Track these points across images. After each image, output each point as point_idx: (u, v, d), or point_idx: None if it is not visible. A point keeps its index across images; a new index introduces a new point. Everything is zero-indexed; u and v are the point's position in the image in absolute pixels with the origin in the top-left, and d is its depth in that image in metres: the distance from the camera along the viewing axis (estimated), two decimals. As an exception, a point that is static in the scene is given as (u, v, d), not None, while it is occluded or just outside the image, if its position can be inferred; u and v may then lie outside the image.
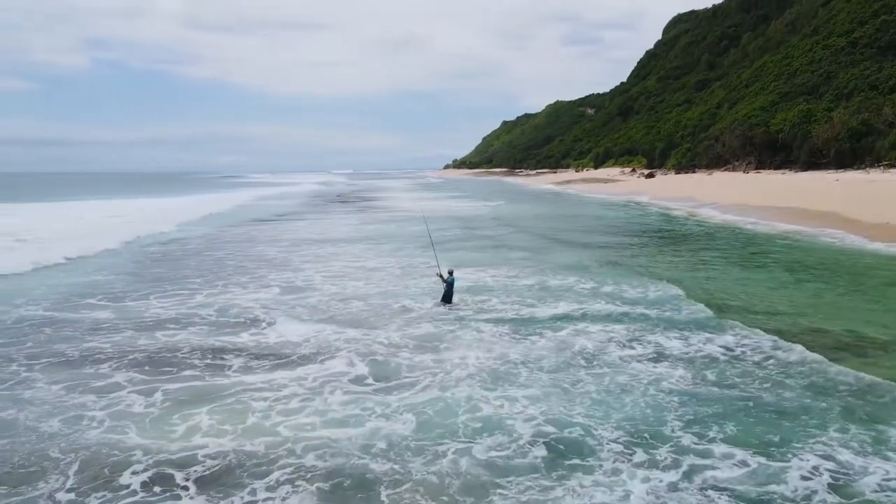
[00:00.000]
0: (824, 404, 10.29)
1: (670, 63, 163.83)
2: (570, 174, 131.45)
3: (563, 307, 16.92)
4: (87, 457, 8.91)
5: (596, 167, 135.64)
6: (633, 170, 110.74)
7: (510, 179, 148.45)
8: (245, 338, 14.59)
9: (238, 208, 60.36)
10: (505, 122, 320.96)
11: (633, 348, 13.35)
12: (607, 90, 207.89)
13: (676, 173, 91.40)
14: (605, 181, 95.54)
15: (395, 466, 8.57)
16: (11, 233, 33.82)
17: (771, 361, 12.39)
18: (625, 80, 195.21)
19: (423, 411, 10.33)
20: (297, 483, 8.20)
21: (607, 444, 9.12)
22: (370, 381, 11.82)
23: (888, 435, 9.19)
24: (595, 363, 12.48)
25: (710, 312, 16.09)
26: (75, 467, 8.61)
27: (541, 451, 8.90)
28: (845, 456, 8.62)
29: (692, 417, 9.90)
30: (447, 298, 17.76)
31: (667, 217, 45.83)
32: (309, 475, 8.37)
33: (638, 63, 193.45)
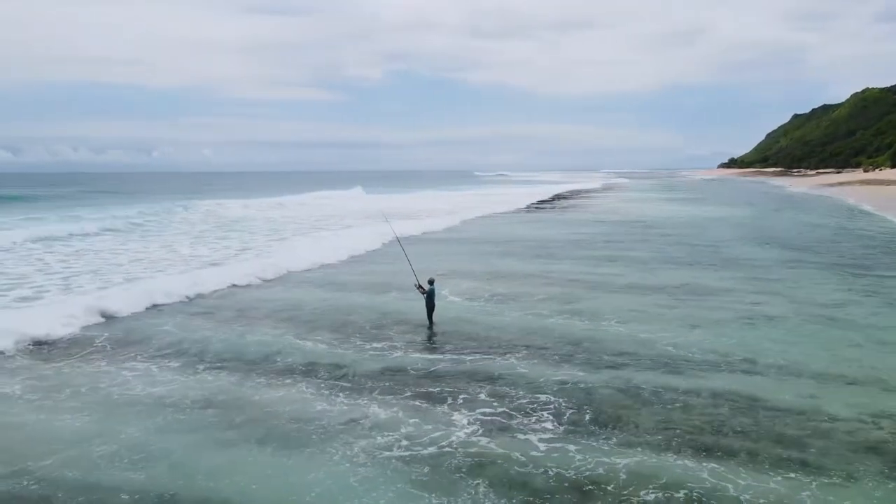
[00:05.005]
0: None
1: None
2: (854, 174, 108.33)
3: (530, 370, 12.32)
4: None
5: (893, 166, 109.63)
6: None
7: (776, 180, 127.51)
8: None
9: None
10: (796, 116, 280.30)
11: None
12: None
13: None
14: (888, 183, 76.08)
15: None
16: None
17: None
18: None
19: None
20: None
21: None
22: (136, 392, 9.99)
23: None
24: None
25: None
26: None
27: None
28: None
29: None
30: (429, 313, 15.28)
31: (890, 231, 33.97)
32: None
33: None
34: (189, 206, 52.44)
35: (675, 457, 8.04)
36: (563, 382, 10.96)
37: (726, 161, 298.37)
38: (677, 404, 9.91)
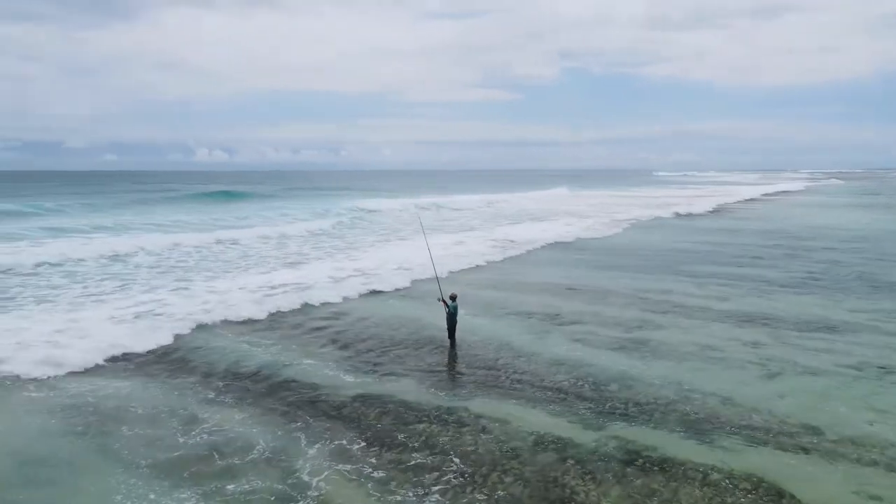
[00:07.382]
0: None
1: None
2: None
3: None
4: None
5: None
6: None
7: None
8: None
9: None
10: None
11: None
12: None
13: None
14: None
15: None
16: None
17: None
18: None
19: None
20: None
21: None
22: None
23: None
24: None
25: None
26: None
27: None
28: None
29: None
30: (450, 331, 14.09)
31: None
32: None
33: None
34: (349, 204, 53.99)
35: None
36: (515, 439, 8.94)
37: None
38: (664, 488, 7.66)
